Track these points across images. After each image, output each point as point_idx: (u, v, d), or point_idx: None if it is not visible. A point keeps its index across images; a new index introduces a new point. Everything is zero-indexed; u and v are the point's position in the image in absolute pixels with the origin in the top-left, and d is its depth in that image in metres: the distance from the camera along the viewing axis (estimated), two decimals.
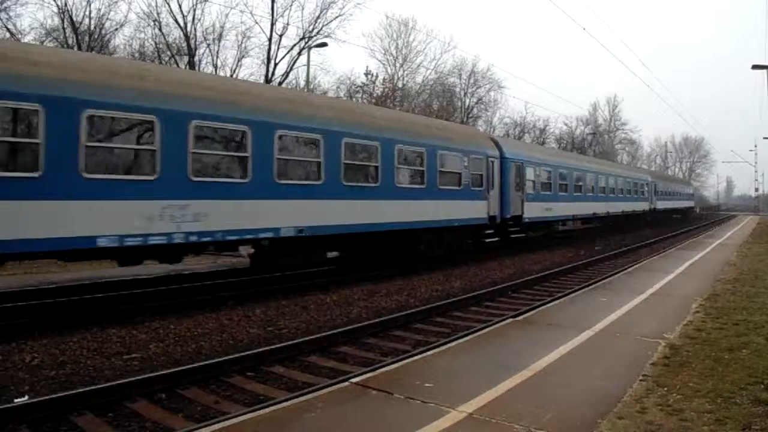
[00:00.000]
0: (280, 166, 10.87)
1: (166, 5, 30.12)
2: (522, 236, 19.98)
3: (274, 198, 10.69)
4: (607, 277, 13.05)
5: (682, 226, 40.60)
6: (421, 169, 14.80)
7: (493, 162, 18.05)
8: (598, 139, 70.17)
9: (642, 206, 36.44)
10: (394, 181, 13.69)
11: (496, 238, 18.19)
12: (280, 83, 32.75)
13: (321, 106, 13.13)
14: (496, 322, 8.36)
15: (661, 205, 41.74)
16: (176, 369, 6.57)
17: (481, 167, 17.32)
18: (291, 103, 12.05)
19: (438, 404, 4.68)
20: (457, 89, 50.93)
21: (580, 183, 25.91)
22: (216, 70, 32.06)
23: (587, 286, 11.75)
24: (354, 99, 35.72)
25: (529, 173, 20.63)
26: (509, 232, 19.22)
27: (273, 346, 7.60)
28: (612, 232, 30.12)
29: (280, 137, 10.88)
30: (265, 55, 33.02)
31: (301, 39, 33.39)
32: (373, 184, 13.16)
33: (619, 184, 31.97)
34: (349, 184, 12.43)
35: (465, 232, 17.12)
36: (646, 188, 37.65)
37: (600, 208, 28.49)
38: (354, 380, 5.42)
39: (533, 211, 20.55)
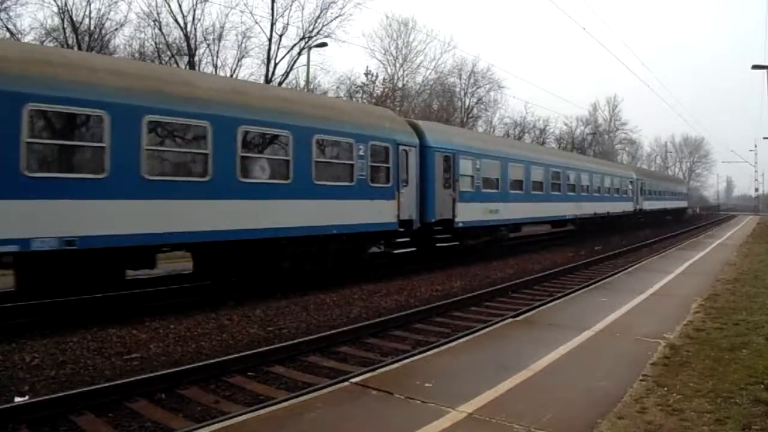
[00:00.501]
0: (31, 154, 7.80)
1: (166, 5, 30.08)
2: (454, 245, 15.96)
3: (17, 198, 7.65)
4: (607, 277, 13.05)
5: (682, 226, 40.23)
6: (284, 158, 11.11)
7: (407, 151, 14.29)
8: (598, 139, 70.16)
9: (625, 207, 32.59)
10: (235, 174, 10.09)
11: (412, 248, 14.43)
12: (280, 83, 32.73)
13: (99, 68, 8.97)
14: (496, 322, 8.36)
15: (649, 205, 37.80)
16: (176, 369, 6.57)
17: (387, 158, 13.59)
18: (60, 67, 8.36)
19: (438, 404, 4.68)
20: (457, 89, 50.91)
21: (541, 180, 21.77)
22: (216, 70, 32.05)
23: (587, 286, 11.75)
24: (354, 99, 35.73)
25: (465, 167, 16.65)
26: (435, 240, 15.40)
27: (273, 346, 7.61)
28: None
29: (33, 113, 7.78)
30: (265, 55, 32.99)
31: (301, 39, 33.36)
32: (199, 179, 9.61)
33: (596, 182, 27.88)
34: (157, 178, 9.01)
35: (363, 241, 13.27)
36: (630, 187, 33.71)
37: (569, 209, 24.32)
38: (354, 380, 5.42)
39: (470, 213, 16.67)
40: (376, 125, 13.77)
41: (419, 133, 15.17)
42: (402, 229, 14.03)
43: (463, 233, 16.48)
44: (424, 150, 15.02)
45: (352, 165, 12.63)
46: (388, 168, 13.68)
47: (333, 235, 12.18)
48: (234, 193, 10.11)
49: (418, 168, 14.73)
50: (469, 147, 17.36)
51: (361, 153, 12.80)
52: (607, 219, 29.24)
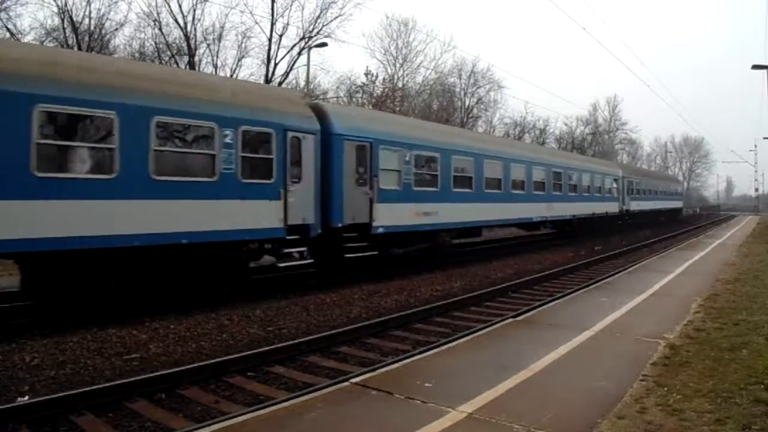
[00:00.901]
0: None
1: (166, 5, 30.06)
2: (372, 255, 13.13)
3: None
4: (607, 277, 13.06)
5: (682, 227, 39.82)
6: (107, 146, 8.56)
7: (301, 139, 11.38)
8: (598, 139, 70.18)
9: (608, 208, 29.22)
10: (28, 167, 7.69)
11: (308, 260, 12.26)
12: (280, 83, 32.70)
13: None
14: (497, 322, 8.36)
15: (637, 206, 34.56)
16: (176, 369, 6.57)
17: (269, 147, 10.81)
18: None
19: (438, 404, 4.68)
20: (457, 89, 50.86)
21: (499, 176, 18.55)
22: (216, 70, 32.06)
23: (587, 286, 11.75)
24: (354, 99, 35.72)
25: (388, 159, 13.72)
26: (345, 249, 12.57)
27: (273, 346, 7.61)
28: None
29: None
30: (265, 55, 32.98)
31: (301, 39, 33.34)
32: None
33: (572, 180, 24.69)
34: None
35: (236, 252, 10.69)
36: (615, 185, 30.53)
37: (537, 210, 21.29)
38: (354, 380, 5.42)
39: (396, 216, 13.75)
40: (252, 106, 10.86)
41: (322, 117, 12.28)
42: (296, 237, 11.27)
43: (386, 240, 13.71)
44: (328, 138, 12.17)
45: (213, 156, 9.87)
46: (270, 160, 10.84)
47: (185, 245, 9.47)
48: (27, 192, 7.72)
49: (318, 160, 11.80)
50: (395, 136, 14.20)
51: (227, 140, 10.05)
52: (586, 221, 26.40)
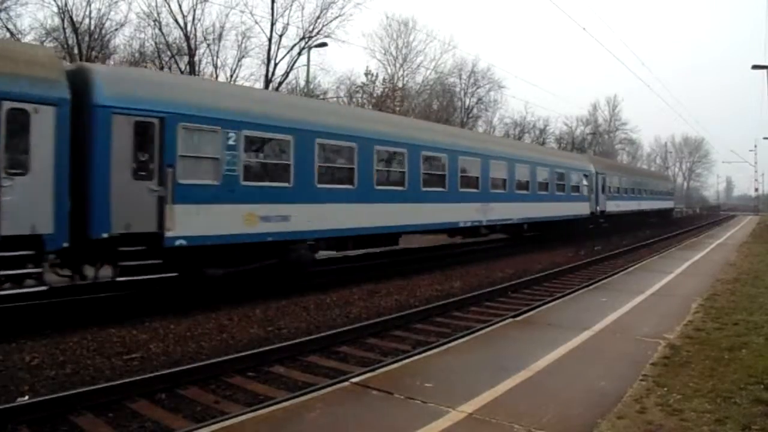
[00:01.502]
0: None
1: (166, 5, 30.06)
2: (170, 276, 9.19)
3: None
4: (607, 277, 13.06)
5: (681, 227, 39.43)
6: None
7: (29, 112, 7.83)
8: (598, 139, 70.22)
9: (576, 209, 24.42)
10: None
11: (41, 288, 8.01)
12: (280, 83, 32.74)
13: None
14: (496, 322, 8.36)
15: (616, 206, 29.63)
16: (176, 369, 6.58)
17: None
18: None
19: (438, 404, 4.68)
20: (457, 89, 50.98)
21: (403, 169, 14.08)
22: (216, 70, 32.08)
23: (587, 286, 11.75)
24: (354, 99, 35.74)
25: (195, 142, 9.76)
26: (122, 270, 8.73)
27: (273, 346, 7.62)
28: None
29: None
30: (265, 55, 33.01)
31: (301, 39, 33.36)
32: None
33: (521, 175, 19.87)
34: None
35: None
36: (585, 182, 25.81)
37: (466, 213, 16.48)
38: (354, 380, 5.43)
39: (210, 222, 9.81)
40: None
41: (81, 82, 8.58)
42: (20, 253, 7.77)
43: (194, 257, 9.77)
44: (88, 111, 8.50)
45: None
46: None
47: None
48: None
49: (63, 142, 8.17)
50: (208, 109, 9.99)
51: None
52: (545, 225, 22.41)
